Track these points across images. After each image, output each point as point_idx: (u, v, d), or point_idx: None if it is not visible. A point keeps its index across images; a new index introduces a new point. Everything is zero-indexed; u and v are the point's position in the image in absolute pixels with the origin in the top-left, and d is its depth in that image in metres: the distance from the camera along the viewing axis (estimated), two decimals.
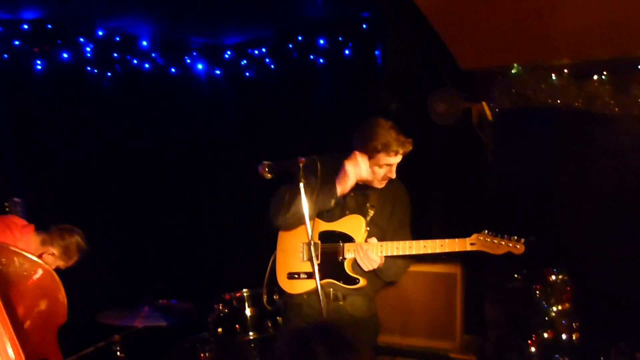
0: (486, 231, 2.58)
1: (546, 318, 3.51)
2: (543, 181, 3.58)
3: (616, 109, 3.27)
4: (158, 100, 4.44)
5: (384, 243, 2.66)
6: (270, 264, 2.86)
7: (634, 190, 3.39)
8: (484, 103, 3.59)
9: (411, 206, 2.91)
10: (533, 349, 3.53)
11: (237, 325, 3.30)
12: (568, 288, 3.53)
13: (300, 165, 2.35)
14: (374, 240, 2.70)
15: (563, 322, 3.51)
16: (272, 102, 4.44)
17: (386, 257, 2.67)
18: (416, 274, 3.74)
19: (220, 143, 4.61)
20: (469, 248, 2.57)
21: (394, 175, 2.72)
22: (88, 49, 3.99)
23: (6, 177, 3.46)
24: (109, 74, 4.22)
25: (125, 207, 4.33)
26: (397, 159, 2.68)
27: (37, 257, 2.88)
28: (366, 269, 2.67)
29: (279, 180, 2.61)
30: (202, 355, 3.35)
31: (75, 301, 2.96)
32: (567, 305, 3.54)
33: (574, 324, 3.49)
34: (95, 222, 4.08)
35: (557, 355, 3.48)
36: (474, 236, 2.58)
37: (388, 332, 3.79)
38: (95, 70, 4.15)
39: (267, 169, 2.44)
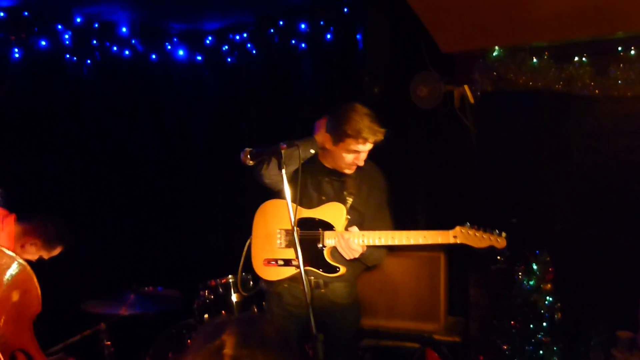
0: (468, 224, 2.58)
1: (529, 299, 3.56)
2: (524, 163, 3.61)
3: (596, 91, 3.29)
4: (139, 87, 4.39)
5: (366, 233, 2.64)
6: (245, 249, 2.82)
7: (614, 171, 3.43)
8: (465, 86, 3.59)
9: (389, 187, 2.88)
10: (516, 330, 3.59)
11: (223, 311, 3.32)
12: (550, 269, 3.58)
13: (282, 151, 2.32)
14: (355, 229, 2.66)
15: (545, 302, 3.56)
16: (254, 88, 4.41)
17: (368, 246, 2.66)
18: (401, 257, 3.76)
19: (202, 129, 4.59)
20: (451, 241, 2.58)
21: (361, 163, 2.68)
22: (66, 36, 3.92)
23: None
24: (89, 61, 4.16)
25: (108, 195, 4.30)
26: (367, 147, 2.64)
27: (21, 247, 2.89)
28: (347, 258, 2.66)
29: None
30: (188, 341, 3.37)
31: (61, 290, 2.98)
32: (549, 285, 3.59)
33: (556, 304, 3.54)
34: (78, 211, 4.07)
35: (540, 335, 3.54)
36: (457, 229, 2.58)
37: (373, 314, 3.83)
38: (75, 58, 4.08)
39: (249, 156, 2.43)
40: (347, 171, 2.72)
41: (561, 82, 3.34)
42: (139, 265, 4.00)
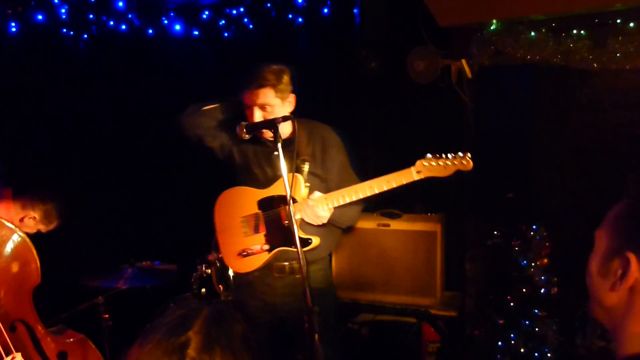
0: (429, 155, 2.41)
1: (525, 274, 3.58)
2: (522, 138, 3.59)
3: (594, 64, 3.26)
4: (136, 62, 4.37)
5: (328, 195, 2.53)
6: (213, 248, 2.79)
7: (612, 146, 3.42)
8: (463, 60, 3.56)
9: (345, 145, 2.76)
10: (512, 304, 3.61)
11: (220, 286, 3.34)
12: (547, 244, 3.59)
13: (278, 125, 2.30)
14: (316, 194, 2.55)
15: (542, 277, 3.57)
16: (251, 63, 4.38)
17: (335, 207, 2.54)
18: (397, 232, 3.78)
19: (199, 104, 4.57)
20: (416, 177, 2.42)
21: (255, 117, 2.51)
22: (63, 10, 3.91)
23: None
24: (85, 36, 4.15)
25: (105, 169, 4.31)
26: (253, 98, 2.48)
27: (19, 221, 2.92)
28: (317, 224, 2.57)
29: None
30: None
31: (59, 264, 3.00)
32: (545, 260, 3.60)
33: (552, 279, 3.55)
34: (76, 185, 4.07)
35: (536, 310, 3.56)
36: (418, 163, 2.42)
37: (370, 289, 3.85)
38: (71, 32, 4.07)
39: (244, 130, 2.43)
40: (270, 136, 2.52)
41: (559, 56, 3.32)
42: (137, 240, 4.02)
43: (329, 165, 2.68)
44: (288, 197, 2.22)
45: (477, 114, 3.63)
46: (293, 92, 2.61)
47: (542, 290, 3.55)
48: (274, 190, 2.64)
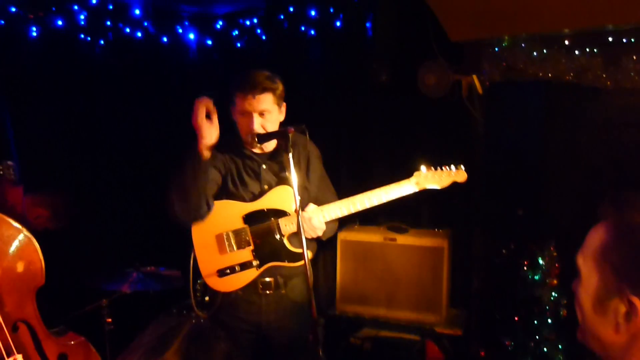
0: (424, 167, 2.49)
1: (534, 293, 3.51)
2: (532, 155, 3.56)
3: (607, 82, 3.23)
4: (149, 68, 4.42)
5: (325, 207, 2.50)
6: (191, 267, 2.57)
7: (624, 165, 3.36)
8: (474, 76, 3.55)
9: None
10: (520, 325, 3.54)
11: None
12: (557, 264, 3.52)
13: (290, 135, 2.23)
14: (311, 206, 2.52)
15: (551, 298, 3.50)
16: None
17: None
18: (404, 247, 3.75)
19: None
20: (416, 188, 2.48)
21: (255, 129, 2.42)
22: (82, 16, 3.98)
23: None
24: (102, 41, 4.22)
25: (116, 172, 4.34)
26: (253, 104, 2.41)
27: (31, 218, 2.95)
28: (310, 237, 2.51)
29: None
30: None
31: (64, 265, 3.01)
32: (555, 281, 3.53)
33: (561, 300, 3.48)
34: (86, 187, 4.12)
35: (544, 332, 3.48)
36: (416, 175, 2.49)
37: (374, 304, 3.81)
38: (89, 38, 4.14)
39: (256, 139, 2.40)
40: (252, 145, 2.50)
41: (572, 73, 3.29)
42: (143, 244, 4.04)
43: (311, 176, 2.65)
44: (297, 207, 2.17)
45: (488, 130, 3.61)
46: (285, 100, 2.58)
47: (551, 312, 3.47)
48: (262, 204, 2.56)
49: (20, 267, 2.27)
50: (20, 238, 2.27)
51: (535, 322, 3.50)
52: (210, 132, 2.36)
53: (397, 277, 3.77)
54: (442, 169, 2.50)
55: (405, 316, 3.74)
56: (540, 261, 3.53)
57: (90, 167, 4.18)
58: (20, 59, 3.81)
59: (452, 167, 2.50)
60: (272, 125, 2.49)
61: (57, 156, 3.94)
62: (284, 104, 2.58)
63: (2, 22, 3.69)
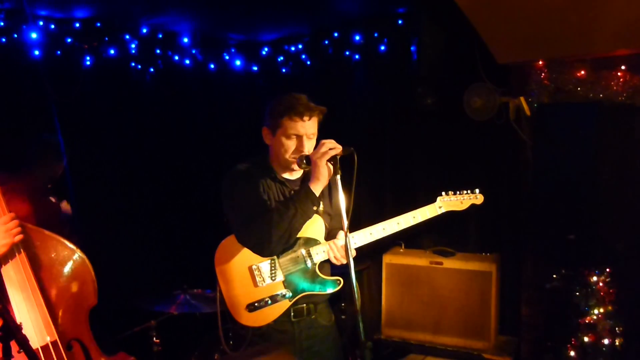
0: (444, 193, 2.65)
1: (587, 321, 3.39)
2: (583, 178, 3.47)
3: None
4: (198, 95, 4.55)
5: (356, 233, 2.47)
6: (218, 301, 2.50)
7: None
8: (521, 98, 3.51)
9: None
10: (572, 353, 3.41)
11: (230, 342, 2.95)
12: (611, 290, 3.40)
13: (337, 157, 2.22)
14: (342, 234, 2.40)
15: (605, 325, 3.37)
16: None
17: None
18: (451, 271, 3.70)
19: (257, 138, 4.67)
20: (439, 212, 2.62)
21: (305, 150, 2.39)
22: (133, 45, 4.13)
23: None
24: (152, 69, 4.37)
25: (166, 196, 4.45)
26: (306, 127, 2.38)
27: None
28: (340, 263, 2.46)
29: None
30: (231, 342, 3.39)
31: (115, 287, 3.08)
32: (609, 307, 3.41)
33: (617, 328, 3.35)
34: (137, 211, 4.24)
35: None
36: (439, 199, 2.63)
37: (420, 329, 3.76)
38: (139, 66, 4.30)
39: (304, 161, 2.37)
40: (294, 165, 2.42)
41: (625, 94, 3.21)
42: (190, 267, 4.09)
43: (332, 202, 2.60)
44: (345, 229, 2.13)
45: (536, 153, 3.55)
46: None
47: (606, 341, 3.34)
48: None
49: (74, 287, 2.32)
50: (74, 258, 2.32)
51: (589, 350, 3.37)
52: (327, 177, 2.34)
53: (444, 301, 3.71)
54: (460, 193, 2.66)
55: (453, 342, 3.67)
56: (594, 287, 3.41)
57: (141, 191, 4.29)
58: (76, 87, 3.96)
59: (469, 191, 2.68)
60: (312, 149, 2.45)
61: (110, 180, 4.07)
62: None
63: (59, 52, 3.86)
